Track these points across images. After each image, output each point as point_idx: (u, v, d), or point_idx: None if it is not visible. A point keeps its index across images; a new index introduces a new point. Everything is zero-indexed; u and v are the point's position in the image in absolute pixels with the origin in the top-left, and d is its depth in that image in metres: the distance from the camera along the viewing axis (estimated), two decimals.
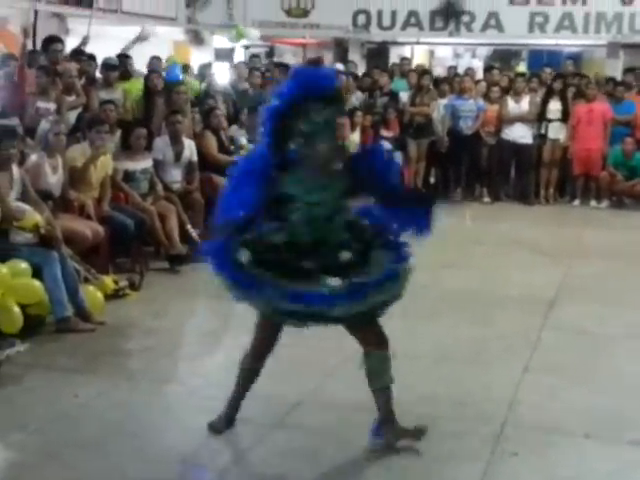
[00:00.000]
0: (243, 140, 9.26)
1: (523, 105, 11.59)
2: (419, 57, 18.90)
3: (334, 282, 3.57)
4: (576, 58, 16.26)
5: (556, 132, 11.57)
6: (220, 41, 16.30)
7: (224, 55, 15.62)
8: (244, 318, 6.20)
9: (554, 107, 11.56)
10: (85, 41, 10.19)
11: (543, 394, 4.65)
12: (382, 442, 3.88)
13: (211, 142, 8.76)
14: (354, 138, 11.40)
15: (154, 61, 10.53)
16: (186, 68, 11.38)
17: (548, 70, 12.85)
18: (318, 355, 5.20)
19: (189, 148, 8.19)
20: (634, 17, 14.77)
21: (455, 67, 15.53)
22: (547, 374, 4.96)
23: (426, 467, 3.80)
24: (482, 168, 11.93)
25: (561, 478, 3.75)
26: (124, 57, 10.13)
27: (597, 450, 3.99)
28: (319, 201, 3.64)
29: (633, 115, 11.59)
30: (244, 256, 3.66)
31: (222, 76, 11.48)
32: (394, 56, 16.95)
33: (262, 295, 3.69)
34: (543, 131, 11.62)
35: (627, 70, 13.54)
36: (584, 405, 4.48)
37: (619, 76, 13.30)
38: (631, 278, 7.39)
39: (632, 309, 6.34)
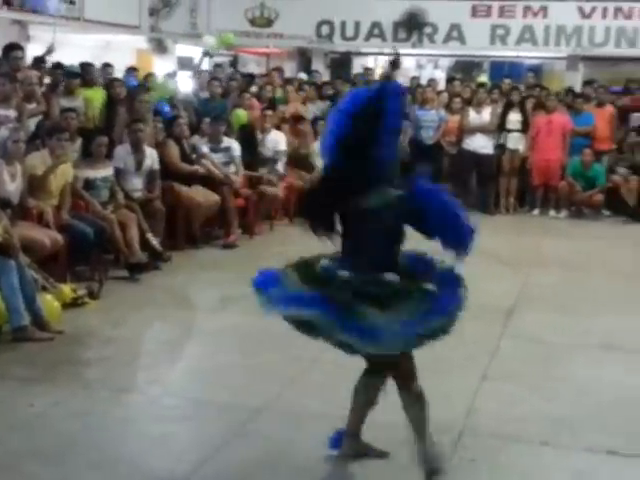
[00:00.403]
0: (205, 149, 9.24)
1: (484, 116, 11.72)
2: (382, 68, 19.00)
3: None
4: (537, 70, 16.46)
5: (515, 142, 11.72)
6: (183, 49, 16.26)
7: (187, 64, 15.57)
8: (203, 327, 6.25)
9: (514, 118, 11.71)
10: (51, 49, 10.12)
11: (501, 402, 4.69)
12: (340, 452, 3.86)
13: (173, 151, 8.74)
14: (316, 147, 11.44)
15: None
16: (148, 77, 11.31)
17: (507, 81, 13.02)
18: (278, 364, 5.21)
19: (151, 156, 8.17)
20: (593, 30, 14.99)
21: (418, 78, 15.63)
22: (505, 382, 5.01)
23: (384, 475, 3.81)
24: (443, 178, 12.00)
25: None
26: (87, 65, 10.07)
27: (554, 457, 4.02)
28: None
29: (592, 127, 11.75)
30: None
31: (184, 85, 11.45)
32: (357, 66, 17.03)
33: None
34: (502, 141, 11.76)
35: (586, 82, 13.75)
36: (541, 412, 4.52)
37: (578, 88, 13.49)
38: (588, 287, 7.49)
39: (589, 318, 6.42)
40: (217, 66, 13.71)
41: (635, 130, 11.81)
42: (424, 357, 5.37)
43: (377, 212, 3.37)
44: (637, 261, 8.50)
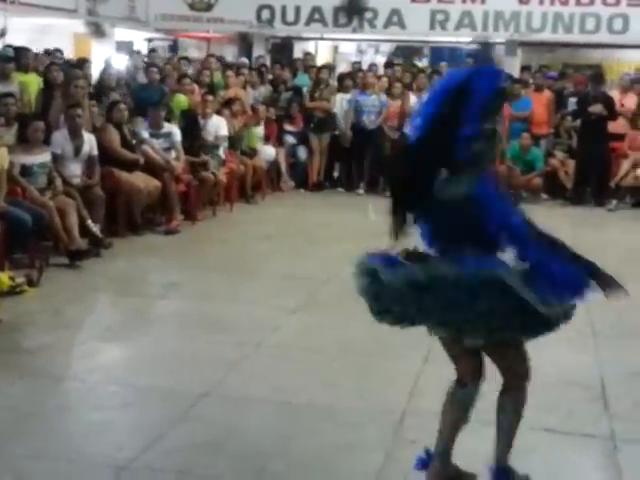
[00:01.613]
0: (145, 134, 9.15)
1: (424, 100, 11.77)
2: (323, 53, 19.01)
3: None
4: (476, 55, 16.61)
5: None
6: (122, 34, 16.04)
7: (125, 48, 15.37)
8: (145, 313, 6.20)
9: None
10: (3, 32, 9.90)
11: (442, 384, 4.73)
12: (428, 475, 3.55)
13: (113, 136, 8.64)
14: (258, 132, 11.43)
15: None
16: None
17: (444, 64, 13.17)
18: (221, 349, 5.20)
19: (89, 142, 8.06)
20: (531, 16, 15.16)
21: (359, 63, 15.68)
22: (446, 365, 5.04)
23: (326, 458, 3.83)
24: (384, 162, 12.09)
25: (459, 463, 3.83)
26: (22, 50, 9.88)
27: (494, 435, 4.09)
28: None
29: (530, 111, 11.92)
30: None
31: (122, 69, 11.32)
32: (298, 51, 16.99)
33: None
34: None
35: (524, 68, 13.94)
36: (482, 393, 4.58)
37: (517, 73, 13.65)
38: None
39: None
40: (152, 51, 13.57)
41: (571, 114, 12.00)
42: (367, 341, 5.46)
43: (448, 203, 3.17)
44: (577, 241, 8.63)
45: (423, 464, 3.55)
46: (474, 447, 3.63)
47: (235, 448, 3.90)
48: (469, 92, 3.12)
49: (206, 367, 4.91)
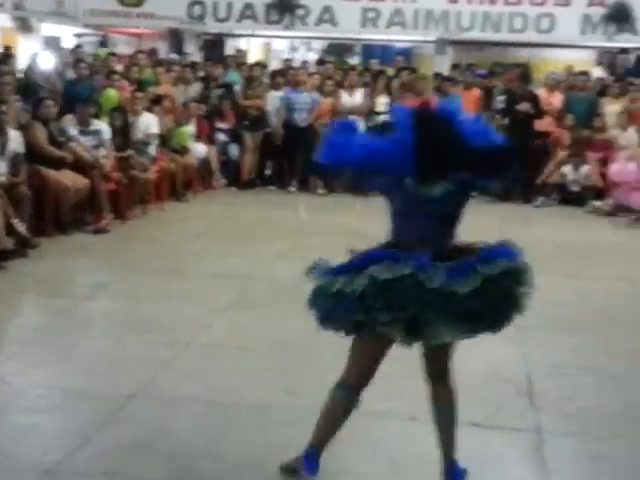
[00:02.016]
0: (73, 131, 9.01)
1: (356, 98, 11.86)
2: (255, 50, 18.96)
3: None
4: (407, 54, 16.78)
5: None
6: (49, 29, 15.74)
7: (53, 43, 15.10)
8: (73, 314, 6.10)
9: (381, 101, 11.91)
10: None
11: (374, 380, 4.77)
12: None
13: (40, 133, 8.48)
14: (189, 129, 11.35)
15: None
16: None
17: (374, 61, 13.30)
18: (151, 350, 5.16)
19: (15, 139, 7.90)
20: (460, 15, 15.34)
21: (291, 60, 15.69)
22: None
23: (258, 456, 3.83)
24: (317, 160, 12.11)
25: (387, 458, 3.88)
26: None
27: (423, 431, 4.13)
28: None
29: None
30: None
31: (50, 65, 11.10)
32: (230, 48, 16.91)
33: None
34: (371, 124, 11.93)
35: (454, 66, 14.12)
36: (410, 388, 4.63)
37: (447, 72, 13.81)
38: None
39: None
40: (78, 47, 13.37)
41: (500, 112, 12.18)
42: (297, 338, 5.47)
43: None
44: (503, 233, 8.75)
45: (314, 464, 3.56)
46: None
47: (165, 448, 3.87)
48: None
49: (136, 367, 4.86)
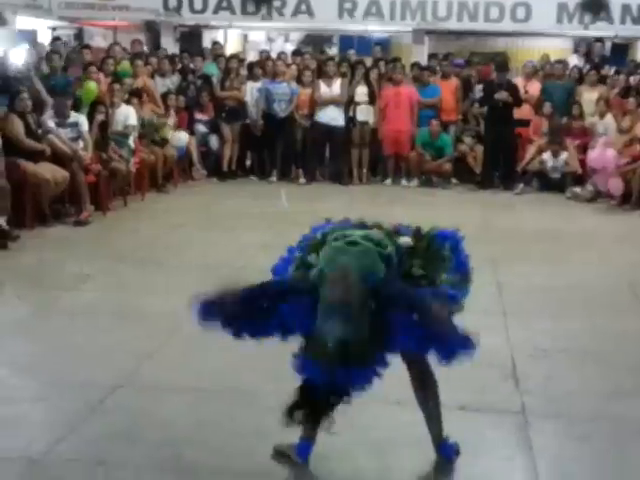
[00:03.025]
0: (51, 124, 8.94)
1: (335, 88, 11.84)
2: (233, 41, 18.87)
3: None
4: (385, 44, 16.75)
5: (364, 115, 11.91)
6: (23, 22, 15.59)
7: (28, 36, 14.95)
8: (55, 306, 6.06)
9: (361, 91, 11.90)
10: None
11: None
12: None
13: (17, 126, 8.42)
14: (169, 121, 11.30)
15: None
16: None
17: (352, 51, 13.33)
18: (135, 340, 5.14)
19: None
20: (437, 5, 15.31)
21: (268, 51, 15.62)
22: None
23: (246, 443, 3.83)
24: (297, 150, 12.12)
25: (373, 439, 3.90)
26: None
27: (408, 415, 4.14)
28: None
29: (438, 98, 12.10)
30: None
31: (25, 58, 10.98)
32: (207, 40, 16.82)
33: None
34: (352, 114, 11.94)
35: (431, 55, 14.12)
36: (394, 372, 4.64)
37: (424, 61, 13.82)
38: None
39: None
40: (56, 39, 13.24)
41: (478, 101, 12.22)
42: None
43: None
44: (485, 220, 8.82)
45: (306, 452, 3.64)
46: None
47: (152, 437, 3.86)
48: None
49: (120, 358, 4.84)
